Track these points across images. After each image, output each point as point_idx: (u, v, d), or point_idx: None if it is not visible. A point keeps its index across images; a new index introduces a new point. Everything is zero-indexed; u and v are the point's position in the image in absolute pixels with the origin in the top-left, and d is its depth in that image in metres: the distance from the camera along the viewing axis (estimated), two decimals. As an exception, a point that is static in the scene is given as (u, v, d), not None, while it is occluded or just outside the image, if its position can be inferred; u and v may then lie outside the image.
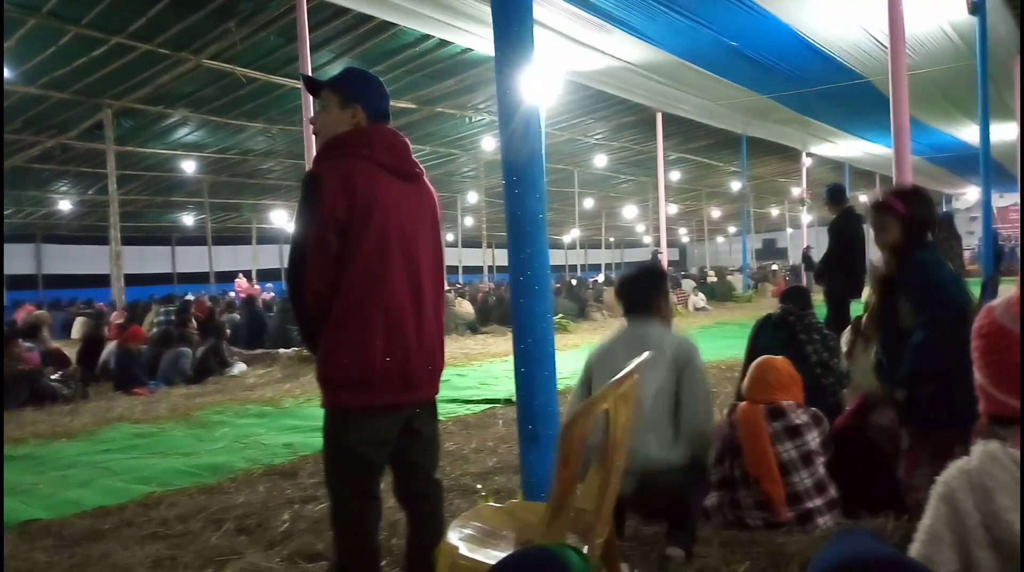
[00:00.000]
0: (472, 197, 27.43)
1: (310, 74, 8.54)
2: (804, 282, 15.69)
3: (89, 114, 14.54)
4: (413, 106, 14.91)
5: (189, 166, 19.54)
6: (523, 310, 2.52)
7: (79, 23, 10.39)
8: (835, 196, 6.90)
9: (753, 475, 3.09)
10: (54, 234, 31.44)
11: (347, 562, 2.18)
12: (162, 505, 3.94)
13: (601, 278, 28.76)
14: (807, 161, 21.08)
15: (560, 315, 13.91)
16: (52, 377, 7.96)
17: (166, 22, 10.54)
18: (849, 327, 4.35)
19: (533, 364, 2.49)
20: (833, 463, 3.19)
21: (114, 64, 11.98)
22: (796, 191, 23.75)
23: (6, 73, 11.77)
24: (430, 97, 14.70)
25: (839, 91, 12.86)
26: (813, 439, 3.14)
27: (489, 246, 30.99)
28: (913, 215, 3.05)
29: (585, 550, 1.79)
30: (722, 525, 3.13)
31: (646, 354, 2.12)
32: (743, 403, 3.26)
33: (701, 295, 18.93)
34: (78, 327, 15.73)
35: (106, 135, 14.50)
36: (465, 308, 14.86)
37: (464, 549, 1.94)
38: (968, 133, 15.99)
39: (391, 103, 2.35)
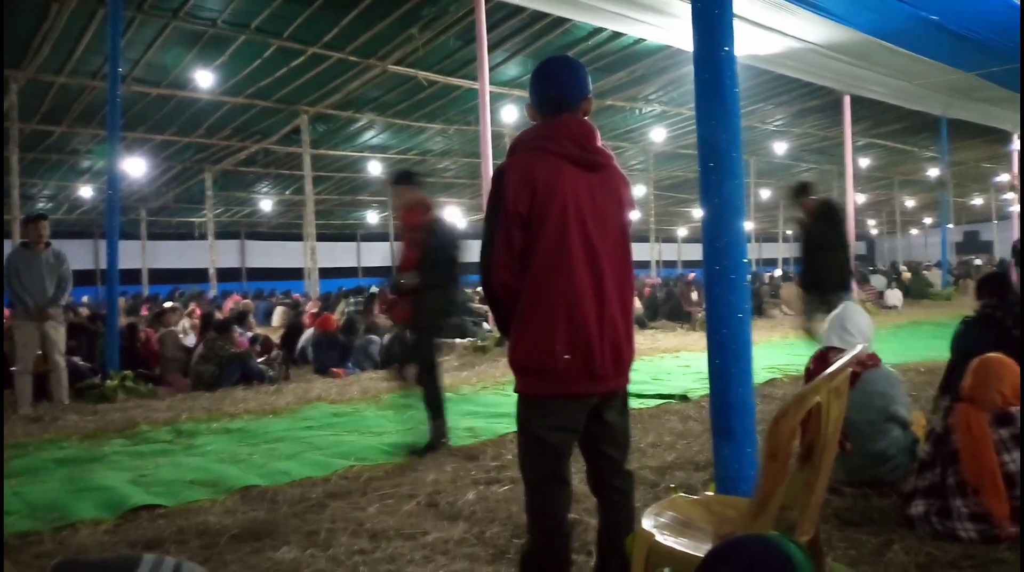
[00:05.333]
0: (640, 190, 27.07)
1: (487, 74, 8.79)
2: (1014, 278, 14.06)
3: (288, 120, 15.90)
4: (584, 100, 14.96)
5: (374, 167, 20.82)
6: (718, 301, 2.45)
7: (281, 36, 11.38)
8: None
9: (972, 484, 2.82)
10: (256, 231, 34.72)
11: (538, 544, 2.23)
12: (361, 478, 4.24)
13: (778, 273, 27.39)
14: (1017, 144, 18.83)
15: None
16: (259, 360, 8.79)
17: (356, 31, 11.29)
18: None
19: (728, 356, 2.42)
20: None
21: (310, 73, 13.01)
22: (1005, 177, 21.35)
23: (218, 84, 13.08)
24: (601, 90, 14.68)
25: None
26: (1044, 449, 2.82)
27: (657, 240, 30.45)
28: None
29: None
30: (929, 535, 2.89)
31: (859, 347, 1.99)
32: (963, 404, 2.98)
33: (897, 292, 17.46)
34: (279, 315, 17.25)
35: (302, 139, 15.78)
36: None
37: (660, 536, 1.93)
38: None
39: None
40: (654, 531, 1.98)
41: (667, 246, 34.22)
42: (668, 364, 8.57)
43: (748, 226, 31.10)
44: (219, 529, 3.41)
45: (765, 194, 29.35)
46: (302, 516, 3.59)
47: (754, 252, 38.63)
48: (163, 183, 22.44)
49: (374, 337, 9.70)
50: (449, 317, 5.04)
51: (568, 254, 2.16)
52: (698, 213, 3.10)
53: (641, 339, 12.08)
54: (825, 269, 6.61)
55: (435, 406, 4.90)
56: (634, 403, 6.26)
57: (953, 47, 10.99)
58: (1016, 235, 18.08)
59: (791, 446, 1.65)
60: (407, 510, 3.59)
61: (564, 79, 2.30)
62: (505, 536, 3.13)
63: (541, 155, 2.19)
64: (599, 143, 2.29)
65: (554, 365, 2.15)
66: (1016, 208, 20.57)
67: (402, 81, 13.51)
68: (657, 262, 30.32)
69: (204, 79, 12.71)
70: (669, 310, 15.00)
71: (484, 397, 6.86)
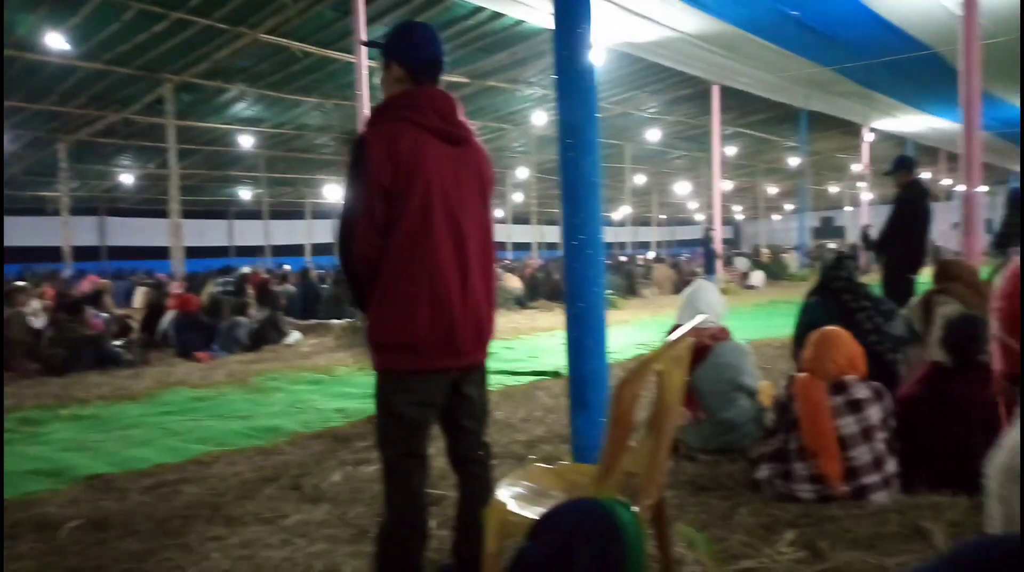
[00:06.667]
0: (523, 173, 27.34)
1: (365, 47, 8.51)
2: (863, 262, 15.23)
3: (150, 89, 14.90)
4: (465, 80, 14.88)
5: (246, 141, 19.91)
6: (575, 275, 2.50)
7: (141, -1, 10.62)
8: (902, 166, 6.64)
9: (810, 448, 3.03)
10: (117, 207, 32.49)
11: (395, 520, 2.21)
12: (220, 463, 4.07)
13: (651, 255, 28.45)
14: (869, 136, 20.38)
15: (610, 291, 13.85)
16: (116, 343, 8.25)
17: (224, -4, 10.69)
18: (918, 300, 4.20)
19: (584, 329, 2.47)
20: (897, 434, 3.10)
21: (174, 39, 12.22)
22: (857, 167, 23.03)
23: (71, 47, 12.09)
24: (482, 71, 14.65)
25: (904, 63, 12.36)
26: (874, 413, 3.05)
27: (538, 222, 30.89)
28: None
29: (639, 513, 1.78)
30: (773, 497, 3.08)
31: (701, 317, 2.08)
32: (802, 375, 3.19)
33: (759, 273, 18.56)
34: (139, 296, 16.26)
35: (166, 110, 14.85)
36: (513, 283, 14.87)
37: (513, 506, 1.95)
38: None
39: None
40: (508, 500, 2.00)
41: (549, 228, 34.78)
42: (544, 342, 8.72)
43: (625, 210, 32.21)
44: (60, 521, 3.19)
45: (640, 179, 30.34)
46: (153, 504, 3.40)
47: (630, 235, 39.93)
48: (10, 154, 20.53)
49: (242, 319, 9.30)
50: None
51: (431, 228, 2.12)
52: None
53: (521, 319, 12.25)
54: (900, 246, 6.45)
55: None
56: (509, 380, 6.35)
57: (812, 42, 11.69)
58: (865, 221, 19.60)
59: (632, 412, 1.70)
60: (267, 494, 3.48)
61: (437, 46, 2.25)
62: (369, 516, 3.08)
63: (404, 126, 2.13)
64: (461, 117, 2.25)
65: (416, 340, 2.12)
66: (867, 195, 22.24)
67: (274, 51, 12.94)
68: (539, 244, 30.75)
69: (55, 42, 11.68)
70: (549, 291, 15.27)
71: (358, 379, 6.73)
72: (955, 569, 0.91)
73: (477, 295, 2.22)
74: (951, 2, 8.06)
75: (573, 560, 1.12)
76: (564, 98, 2.46)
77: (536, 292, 15.41)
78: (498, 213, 35.01)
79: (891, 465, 3.03)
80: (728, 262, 19.94)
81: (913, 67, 12.53)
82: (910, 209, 6.38)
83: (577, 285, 2.50)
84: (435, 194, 2.13)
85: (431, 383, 2.20)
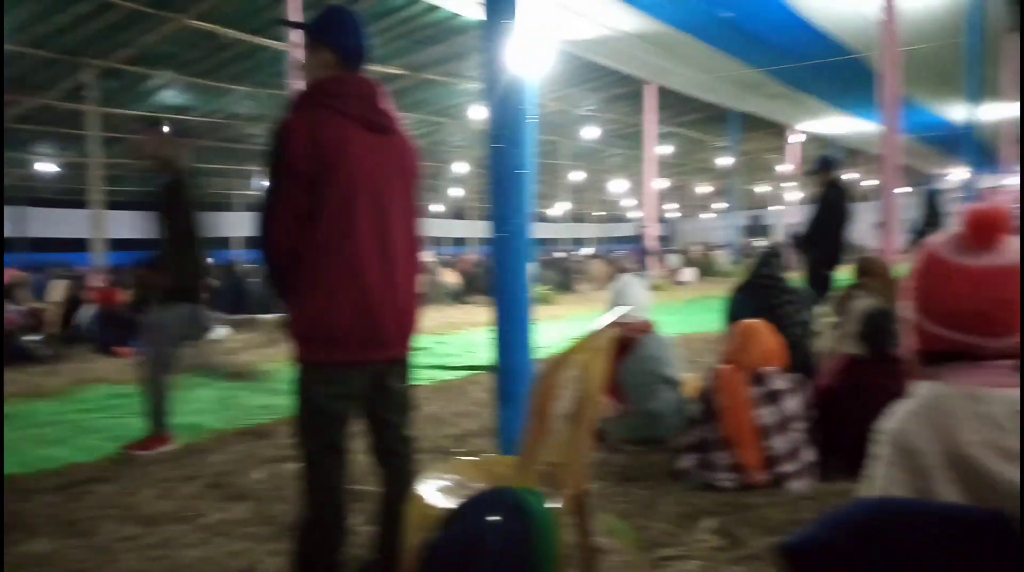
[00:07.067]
0: (461, 167, 27.24)
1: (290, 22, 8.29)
2: (790, 260, 15.72)
3: (70, 74, 14.26)
4: (402, 72, 14.71)
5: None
6: (502, 268, 2.49)
7: (59, -23, 10.15)
8: (824, 167, 6.86)
9: (730, 438, 3.10)
10: (39, 198, 31.03)
11: (313, 515, 2.17)
12: (137, 461, 3.92)
13: (588, 251, 28.75)
14: (796, 137, 21.03)
15: (546, 286, 13.93)
16: (30, 338, 7.87)
17: (150, -21, 10.31)
18: (838, 295, 4.34)
19: (510, 321, 2.46)
20: (816, 424, 3.20)
21: (97, 22, 11.72)
22: (784, 168, 23.74)
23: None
24: (419, 63, 14.50)
25: (830, 67, 12.79)
26: (792, 405, 3.14)
27: (477, 217, 30.85)
28: None
29: (560, 503, 1.79)
30: (694, 486, 3.15)
31: (624, 309, 2.10)
32: (724, 367, 3.26)
33: (690, 269, 18.99)
34: (55, 289, 15.55)
35: (88, 96, 14.24)
36: (450, 278, 14.82)
37: (434, 499, 1.93)
38: (957, 112, 15.96)
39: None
40: (428, 494, 1.98)
41: (487, 223, 34.73)
42: (480, 337, 8.70)
43: (564, 207, 32.48)
44: (-43, 525, 3.01)
45: (577, 177, 30.60)
46: (63, 504, 3.25)
47: (567, 231, 40.29)
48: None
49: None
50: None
51: (354, 219, 2.08)
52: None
53: (457, 313, 12.22)
54: (820, 244, 6.63)
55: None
56: (444, 375, 6.31)
57: (743, 44, 11.99)
58: (792, 220, 20.23)
59: (551, 404, 1.70)
60: (187, 493, 3.37)
61: (366, 34, 2.21)
62: (292, 514, 3.00)
63: (328, 113, 2.08)
64: (388, 106, 2.22)
65: (337, 332, 2.08)
66: (794, 195, 22.96)
67: (203, 38, 12.54)
68: (477, 239, 30.73)
69: (-37, 20, 11.06)
70: (485, 286, 15.27)
71: (287, 374, 6.58)
72: (835, 528, 0.98)
73: (401, 287, 2.19)
74: (872, 9, 8.36)
75: (483, 550, 1.11)
76: (492, 91, 2.45)
77: (472, 287, 15.40)
78: (436, 208, 34.84)
79: (808, 454, 3.13)
80: (661, 259, 20.32)
81: (838, 71, 12.98)
82: (830, 208, 6.60)
83: (503, 278, 2.49)
84: (358, 184, 2.09)
85: (352, 376, 2.16)
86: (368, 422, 2.31)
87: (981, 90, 10.03)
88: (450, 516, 1.18)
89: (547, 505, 1.21)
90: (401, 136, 2.24)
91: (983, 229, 1.17)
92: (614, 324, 2.01)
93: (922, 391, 1.24)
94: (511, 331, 2.48)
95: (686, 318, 10.01)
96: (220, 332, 9.21)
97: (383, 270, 2.13)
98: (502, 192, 2.46)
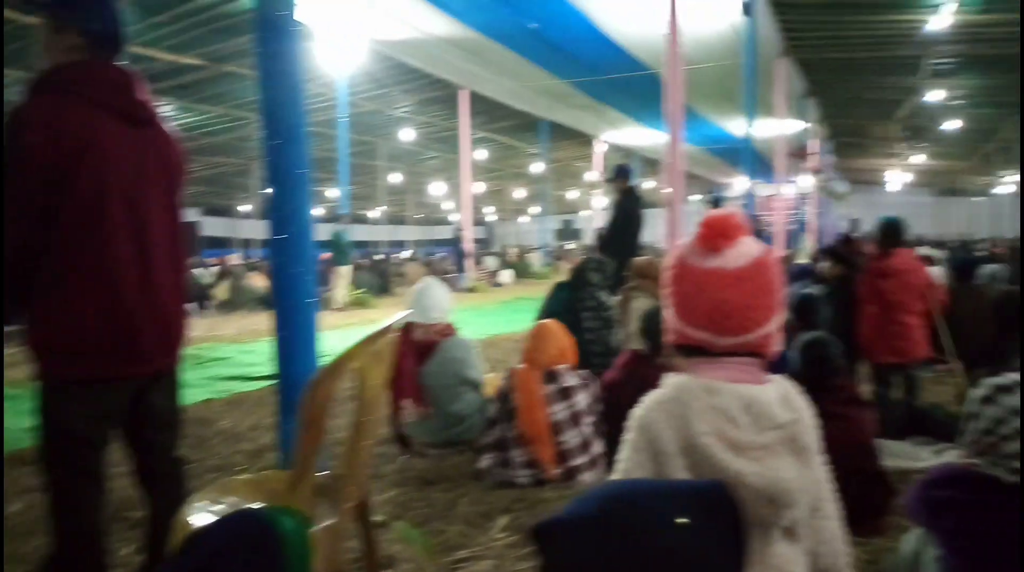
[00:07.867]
0: (271, 167, 26.04)
1: None
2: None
3: None
4: (200, 63, 13.81)
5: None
6: (282, 272, 2.36)
7: None
8: (620, 175, 7.28)
9: (526, 435, 3.17)
10: None
11: (64, 550, 1.93)
12: None
13: (405, 254, 28.63)
14: (601, 147, 22.23)
15: (363, 290, 13.66)
16: None
17: None
18: (619, 296, 4.60)
19: (292, 328, 2.35)
20: (603, 417, 3.35)
21: None
22: (590, 175, 25.01)
23: None
24: (219, 55, 13.68)
25: (629, 81, 13.61)
26: (582, 400, 3.27)
27: (290, 220, 29.63)
28: None
29: (335, 518, 1.71)
30: (493, 485, 3.19)
31: (407, 311, 2.07)
32: (520, 367, 3.33)
33: (507, 271, 19.46)
34: None
35: None
36: (257, 282, 14.09)
37: (199, 523, 1.79)
38: (738, 127, 17.60)
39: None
40: (194, 518, 1.83)
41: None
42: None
43: (381, 209, 32.06)
44: None
45: (396, 179, 30.35)
46: None
47: (385, 234, 39.86)
48: None
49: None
50: None
51: (106, 219, 1.88)
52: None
53: (263, 320, 11.61)
54: (615, 248, 6.67)
55: None
56: (242, 386, 5.97)
57: (550, 55, 12.45)
58: (598, 224, 21.34)
59: (324, 414, 1.63)
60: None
61: (119, 15, 2.01)
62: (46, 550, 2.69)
63: (72, 100, 1.87)
64: (145, 96, 2.03)
65: (85, 345, 1.88)
66: (600, 201, 24.22)
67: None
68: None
69: None
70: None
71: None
72: (580, 507, 1.11)
73: (163, 293, 2.01)
74: (662, 28, 8.99)
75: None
76: (267, 83, 2.32)
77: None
78: (244, 208, 33.07)
79: (597, 446, 3.27)
80: (478, 261, 20.66)
81: (636, 85, 13.86)
82: (624, 213, 7.03)
83: (284, 283, 2.37)
84: (110, 179, 1.89)
85: (108, 394, 1.96)
86: (130, 443, 2.11)
87: (756, 108, 11.11)
88: (186, 541, 1.08)
89: (303, 525, 1.15)
90: (162, 129, 2.07)
91: (711, 235, 1.27)
92: (392, 329, 1.97)
93: (670, 382, 1.33)
94: (293, 339, 2.37)
95: (501, 318, 10.23)
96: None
97: (140, 274, 1.95)
98: (281, 193, 2.34)
